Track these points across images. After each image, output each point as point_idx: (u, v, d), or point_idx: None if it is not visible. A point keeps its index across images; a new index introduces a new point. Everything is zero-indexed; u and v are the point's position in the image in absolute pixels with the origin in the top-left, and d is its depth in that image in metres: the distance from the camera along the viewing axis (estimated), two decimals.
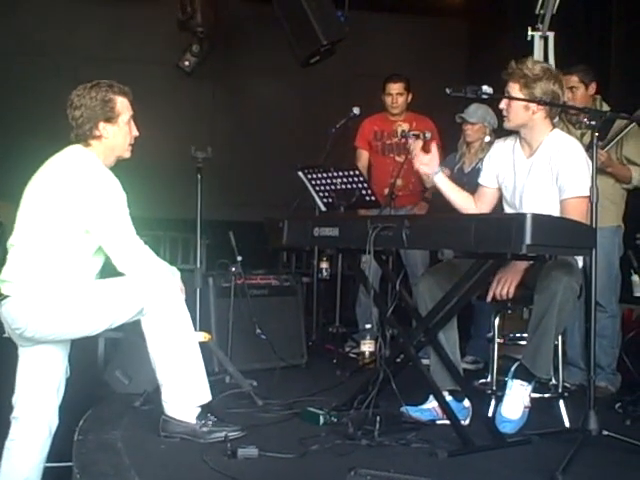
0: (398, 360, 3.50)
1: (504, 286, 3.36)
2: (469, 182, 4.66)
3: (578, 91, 4.28)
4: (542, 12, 5.06)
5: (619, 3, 6.07)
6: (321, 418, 3.35)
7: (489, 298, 3.43)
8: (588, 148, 3.30)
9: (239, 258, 4.46)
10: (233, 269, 4.45)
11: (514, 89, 3.39)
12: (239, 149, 7.86)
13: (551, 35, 5.08)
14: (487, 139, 4.76)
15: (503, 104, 3.46)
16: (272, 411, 3.59)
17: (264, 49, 7.59)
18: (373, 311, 4.47)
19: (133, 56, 7.78)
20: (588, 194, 3.07)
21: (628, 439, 2.99)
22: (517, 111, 3.43)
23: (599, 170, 4.02)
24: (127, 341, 4.00)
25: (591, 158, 3.09)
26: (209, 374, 4.02)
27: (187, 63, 7.27)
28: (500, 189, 3.65)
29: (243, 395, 3.78)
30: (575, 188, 3.33)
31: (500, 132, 4.66)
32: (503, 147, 3.67)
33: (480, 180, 3.73)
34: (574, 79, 4.28)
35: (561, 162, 3.40)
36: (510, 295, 3.38)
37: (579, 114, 4.20)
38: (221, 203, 7.17)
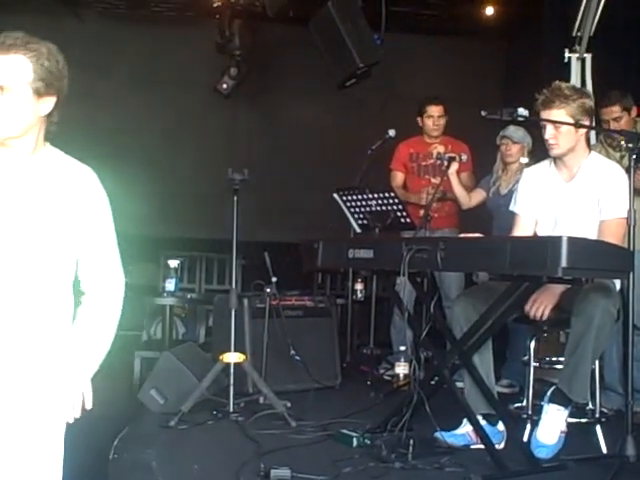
0: (432, 383, 3.48)
1: (539, 308, 3.34)
2: (506, 204, 4.64)
3: (622, 120, 4.27)
4: (579, 34, 5.06)
5: None
6: (354, 440, 3.35)
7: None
8: (627, 170, 3.28)
9: (274, 279, 4.49)
10: (268, 290, 4.48)
11: (559, 115, 3.36)
12: (275, 171, 7.90)
13: (588, 57, 5.09)
14: (524, 160, 4.75)
15: (550, 132, 3.40)
16: (305, 432, 3.59)
17: (300, 71, 7.66)
18: (407, 333, 4.46)
19: (171, 78, 7.89)
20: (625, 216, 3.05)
21: None
22: (568, 136, 3.41)
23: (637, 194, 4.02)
24: (163, 360, 4.04)
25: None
26: (243, 395, 4.10)
27: (225, 86, 7.35)
28: (535, 216, 3.62)
29: (277, 416, 3.79)
30: (615, 210, 3.32)
31: (533, 156, 4.69)
32: (537, 173, 3.66)
33: (515, 209, 3.71)
34: (616, 109, 4.27)
35: (603, 184, 3.40)
36: (545, 317, 3.35)
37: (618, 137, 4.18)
38: (257, 224, 7.23)
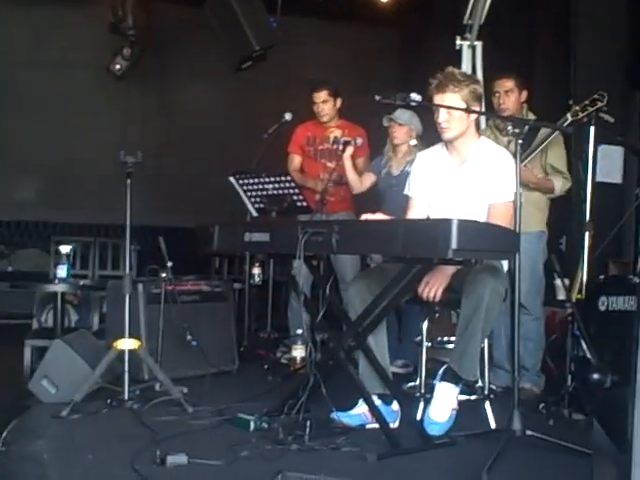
0: (329, 364, 3.51)
1: (431, 289, 3.42)
2: (398, 184, 4.74)
3: (512, 95, 4.38)
4: (470, 22, 5.18)
5: (544, 18, 6.24)
6: (252, 424, 3.34)
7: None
8: (514, 155, 3.38)
9: (169, 264, 4.42)
10: (163, 275, 4.41)
11: (453, 99, 3.43)
12: (171, 154, 7.79)
13: (479, 45, 5.22)
14: (413, 142, 4.85)
15: (444, 116, 3.47)
16: (202, 418, 3.56)
17: (196, 54, 7.55)
18: (304, 316, 4.48)
19: (62, 59, 7.64)
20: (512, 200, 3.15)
21: (551, 438, 3.06)
22: (460, 121, 3.49)
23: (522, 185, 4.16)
24: (54, 349, 3.92)
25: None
26: (139, 382, 4.03)
27: (118, 67, 7.16)
28: (428, 199, 3.69)
29: (173, 402, 3.74)
30: (503, 194, 3.42)
31: (423, 139, 4.78)
32: (429, 157, 3.73)
33: (408, 192, 3.78)
34: (510, 83, 4.38)
35: (491, 169, 3.50)
36: (437, 298, 3.43)
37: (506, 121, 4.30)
38: (152, 209, 7.10)
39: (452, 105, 3.42)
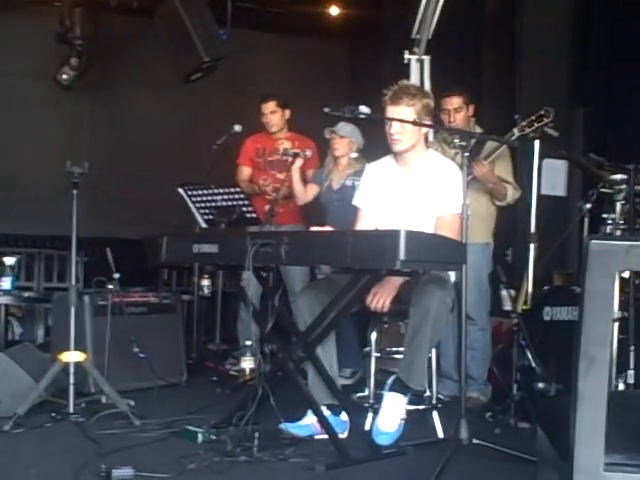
0: (278, 375, 3.50)
1: (379, 300, 3.44)
2: (339, 199, 4.78)
3: (462, 112, 4.48)
4: (418, 37, 5.24)
5: (491, 35, 6.36)
6: (199, 436, 3.31)
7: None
8: (461, 167, 3.43)
9: (116, 275, 4.37)
10: (110, 287, 4.35)
11: (407, 112, 3.48)
12: (118, 165, 7.70)
13: (427, 59, 5.28)
14: (353, 155, 4.90)
15: (397, 128, 3.51)
16: (149, 431, 3.52)
17: (145, 64, 7.49)
18: (253, 328, 4.45)
19: (8, 68, 7.50)
20: (459, 212, 3.20)
21: (497, 446, 3.11)
22: (412, 134, 3.53)
23: (480, 184, 4.24)
24: None
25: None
26: (85, 395, 3.96)
27: (65, 76, 7.07)
28: (378, 209, 3.72)
29: (120, 415, 3.68)
30: (450, 206, 3.47)
31: (365, 153, 4.83)
32: (378, 169, 3.77)
33: (357, 203, 3.80)
34: (459, 100, 4.48)
35: (439, 181, 3.55)
36: (385, 309, 3.45)
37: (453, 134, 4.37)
38: (99, 220, 7.01)
39: (405, 118, 3.46)
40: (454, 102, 4.47)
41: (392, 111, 3.50)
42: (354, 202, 3.82)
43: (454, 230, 3.35)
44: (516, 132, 4.09)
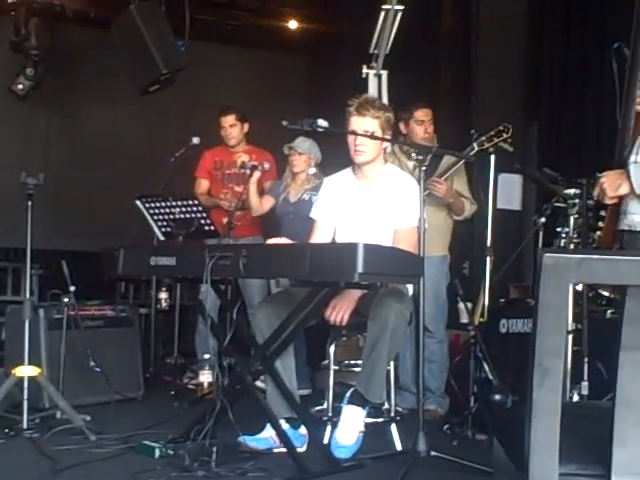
0: (236, 389, 3.49)
1: (338, 313, 3.45)
2: (295, 212, 4.79)
3: (433, 125, 4.53)
4: (376, 52, 5.29)
5: (447, 47, 6.45)
6: (157, 451, 3.28)
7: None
8: (418, 181, 3.46)
9: (72, 288, 4.31)
10: (66, 300, 4.29)
11: (372, 124, 3.52)
12: (75, 177, 7.61)
13: (384, 73, 5.32)
14: (312, 171, 4.91)
15: (361, 140, 3.53)
16: (105, 446, 3.47)
17: (103, 75, 7.42)
18: (211, 341, 4.44)
19: None
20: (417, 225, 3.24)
21: (454, 458, 3.13)
22: (375, 147, 3.58)
23: (438, 198, 4.29)
24: None
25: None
26: (39, 410, 3.90)
27: (20, 87, 6.97)
28: (335, 223, 3.73)
29: (75, 431, 3.63)
30: (408, 219, 3.50)
31: (322, 166, 4.87)
32: (337, 182, 3.79)
33: (314, 216, 3.81)
34: (430, 112, 4.56)
35: (396, 195, 3.58)
36: (344, 322, 3.47)
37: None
38: (55, 232, 6.92)
39: (370, 129, 3.50)
40: (429, 113, 4.56)
41: (357, 122, 3.54)
42: (311, 215, 3.83)
43: (412, 243, 3.38)
44: (476, 147, 4.17)
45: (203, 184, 5.44)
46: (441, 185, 4.29)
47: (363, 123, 3.53)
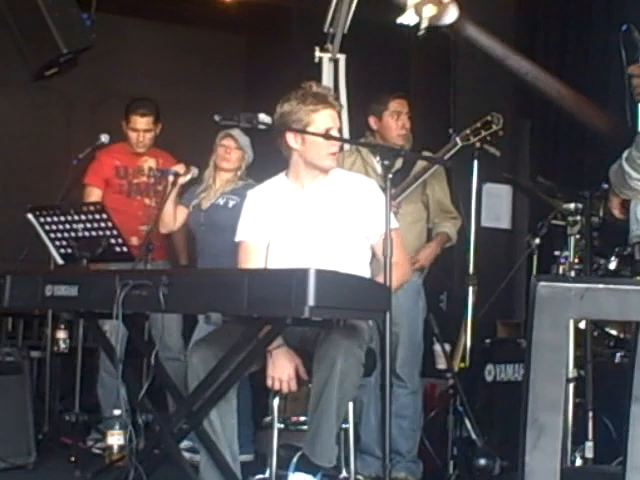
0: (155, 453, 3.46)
1: (282, 384, 3.39)
2: (206, 222, 4.83)
3: (410, 119, 4.56)
4: (332, 31, 5.32)
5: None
6: None
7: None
8: (384, 190, 3.47)
9: None
10: None
11: (338, 120, 3.57)
12: None
13: (342, 58, 5.34)
14: (239, 172, 4.92)
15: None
16: None
17: None
18: (122, 393, 4.38)
19: None
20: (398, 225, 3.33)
21: None
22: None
23: (411, 209, 4.39)
24: None
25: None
26: None
27: None
28: (274, 243, 3.70)
29: None
30: (382, 222, 3.45)
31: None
32: (269, 193, 3.74)
33: (241, 238, 3.72)
34: (407, 104, 4.57)
35: (360, 200, 3.60)
36: (292, 389, 3.41)
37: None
38: None
39: (338, 126, 3.56)
40: (405, 105, 4.56)
41: (332, 116, 3.55)
42: (238, 238, 3.75)
43: (399, 244, 3.42)
44: (459, 142, 4.16)
45: (94, 194, 5.32)
46: (426, 256, 4.42)
47: (337, 118, 3.56)
